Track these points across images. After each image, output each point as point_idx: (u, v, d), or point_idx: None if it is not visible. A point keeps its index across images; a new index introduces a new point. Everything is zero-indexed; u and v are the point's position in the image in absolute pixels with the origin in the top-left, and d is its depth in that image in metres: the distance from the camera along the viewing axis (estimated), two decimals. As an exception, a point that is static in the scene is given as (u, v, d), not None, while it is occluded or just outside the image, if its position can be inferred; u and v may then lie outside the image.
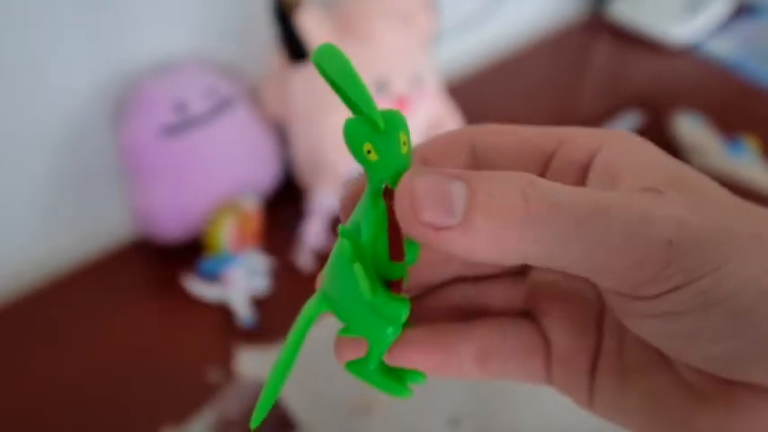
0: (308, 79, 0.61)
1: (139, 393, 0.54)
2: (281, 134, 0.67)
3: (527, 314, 0.22)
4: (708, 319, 0.15)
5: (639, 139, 0.19)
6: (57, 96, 0.58)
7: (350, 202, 0.19)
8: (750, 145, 0.74)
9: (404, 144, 0.17)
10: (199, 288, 0.59)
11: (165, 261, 0.62)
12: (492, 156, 0.20)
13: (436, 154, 0.20)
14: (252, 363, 0.54)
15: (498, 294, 0.22)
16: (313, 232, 0.63)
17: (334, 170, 0.63)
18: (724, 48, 0.91)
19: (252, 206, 0.61)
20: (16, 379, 0.54)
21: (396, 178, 0.17)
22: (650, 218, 0.15)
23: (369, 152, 0.17)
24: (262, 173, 0.64)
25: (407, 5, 0.61)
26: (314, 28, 0.58)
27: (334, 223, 0.66)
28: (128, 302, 0.61)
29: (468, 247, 0.16)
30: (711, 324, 0.15)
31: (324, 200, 0.63)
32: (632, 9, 0.94)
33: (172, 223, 0.60)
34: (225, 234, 0.60)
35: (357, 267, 0.17)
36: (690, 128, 0.74)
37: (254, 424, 0.18)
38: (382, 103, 0.70)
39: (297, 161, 0.66)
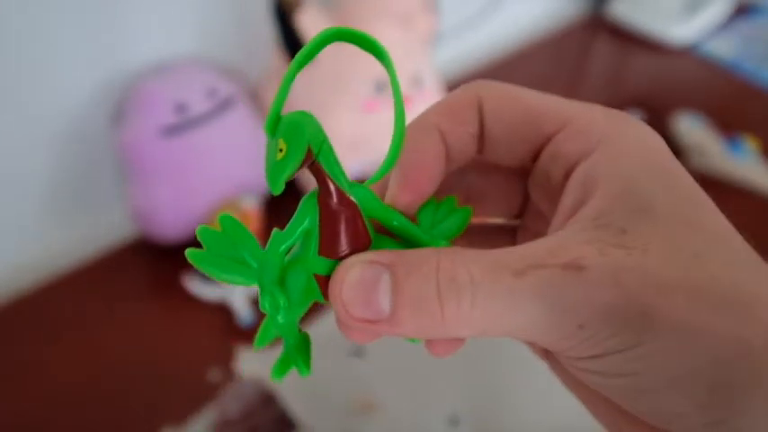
0: (308, 80, 0.61)
1: (139, 393, 0.54)
2: (281, 134, 0.67)
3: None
4: (635, 380, 0.16)
5: (642, 139, 0.18)
6: (57, 97, 0.58)
7: None
8: (750, 145, 0.74)
9: (279, 151, 0.18)
10: (199, 288, 0.59)
11: (165, 261, 0.62)
12: (495, 129, 0.20)
13: (447, 120, 0.20)
14: (252, 363, 0.54)
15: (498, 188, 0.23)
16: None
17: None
18: (724, 48, 0.91)
19: (252, 206, 0.62)
20: (16, 379, 0.54)
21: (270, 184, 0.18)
22: (562, 306, 0.16)
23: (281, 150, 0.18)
24: (262, 173, 0.64)
25: (407, 6, 0.61)
26: (314, 28, 0.58)
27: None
28: (128, 302, 0.61)
29: (400, 333, 0.17)
30: (635, 383, 0.16)
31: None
32: (632, 9, 0.94)
33: (172, 223, 0.60)
34: (225, 234, 0.59)
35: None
36: (690, 128, 0.75)
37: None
38: (382, 104, 0.70)
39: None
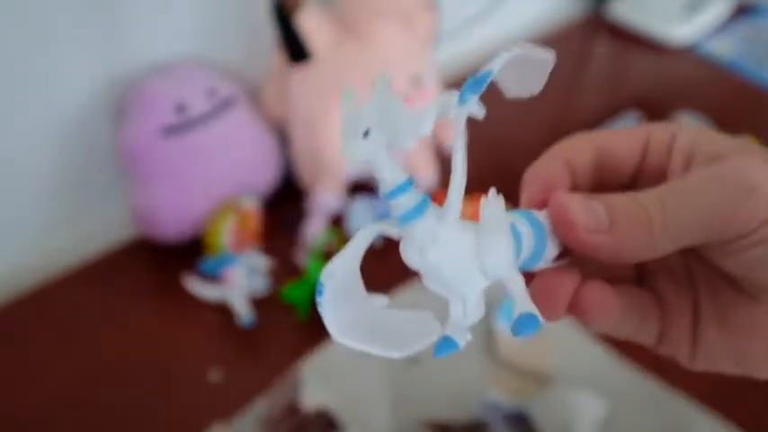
0: (308, 80, 0.61)
1: (139, 393, 0.54)
2: (282, 134, 0.67)
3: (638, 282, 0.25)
4: None
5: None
6: (58, 97, 0.58)
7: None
8: (750, 145, 0.74)
9: None
10: (199, 288, 0.59)
11: (165, 261, 0.62)
12: (609, 148, 0.24)
13: (568, 151, 0.24)
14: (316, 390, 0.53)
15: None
16: (313, 232, 0.63)
17: (334, 171, 0.63)
18: (723, 48, 0.92)
19: (252, 206, 0.62)
20: (16, 379, 0.55)
21: None
22: (733, 176, 0.20)
23: None
24: (262, 173, 0.65)
25: (407, 5, 0.61)
26: (314, 28, 0.58)
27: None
28: (128, 302, 0.61)
29: (616, 248, 0.20)
30: None
31: (324, 200, 0.63)
32: (632, 9, 0.94)
33: (172, 223, 0.60)
34: (225, 234, 0.60)
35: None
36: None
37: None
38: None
39: (297, 162, 0.66)
